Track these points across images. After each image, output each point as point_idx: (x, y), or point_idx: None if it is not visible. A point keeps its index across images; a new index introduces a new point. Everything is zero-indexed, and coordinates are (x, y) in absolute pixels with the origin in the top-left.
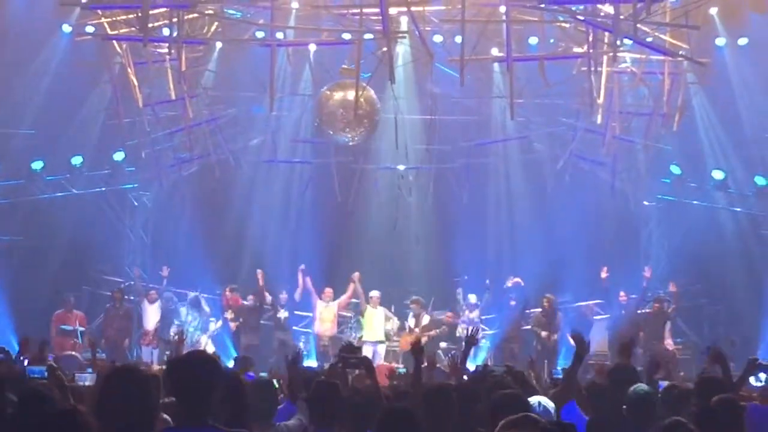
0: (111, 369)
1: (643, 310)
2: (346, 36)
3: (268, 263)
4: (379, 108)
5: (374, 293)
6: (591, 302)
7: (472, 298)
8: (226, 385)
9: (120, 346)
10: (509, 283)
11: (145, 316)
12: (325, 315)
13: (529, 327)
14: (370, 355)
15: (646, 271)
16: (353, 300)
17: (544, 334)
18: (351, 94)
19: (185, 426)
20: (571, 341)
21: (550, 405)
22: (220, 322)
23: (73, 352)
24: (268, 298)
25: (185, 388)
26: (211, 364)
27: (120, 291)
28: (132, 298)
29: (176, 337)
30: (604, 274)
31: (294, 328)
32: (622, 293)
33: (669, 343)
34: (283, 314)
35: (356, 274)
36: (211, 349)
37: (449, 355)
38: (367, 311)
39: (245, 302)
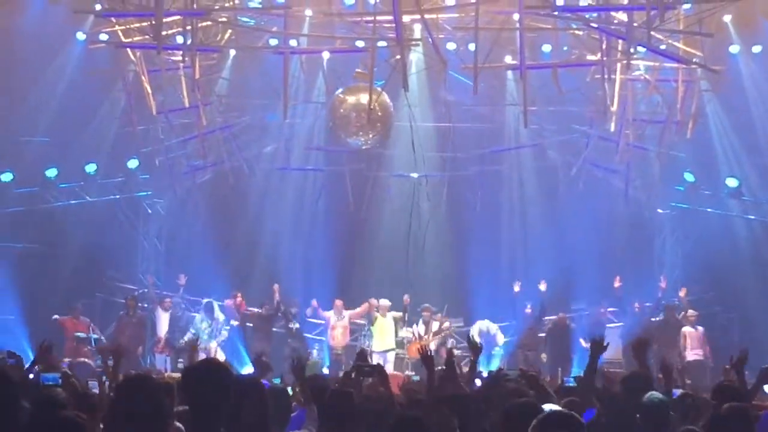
0: (124, 378)
1: (656, 318)
2: (360, 43)
3: (281, 270)
4: (393, 112)
5: (384, 302)
6: (603, 309)
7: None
8: (245, 392)
9: (133, 354)
10: (516, 288)
11: (158, 324)
12: (337, 325)
13: (544, 334)
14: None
15: (662, 281)
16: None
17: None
18: (364, 98)
19: None
20: (583, 344)
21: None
22: (228, 328)
23: (87, 360)
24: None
25: (199, 396)
26: (224, 372)
27: (133, 299)
28: (146, 305)
29: (188, 344)
30: (617, 284)
31: (307, 335)
32: (636, 304)
33: (698, 352)
34: (294, 325)
35: (373, 302)
36: (221, 356)
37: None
38: (377, 321)
39: (257, 310)
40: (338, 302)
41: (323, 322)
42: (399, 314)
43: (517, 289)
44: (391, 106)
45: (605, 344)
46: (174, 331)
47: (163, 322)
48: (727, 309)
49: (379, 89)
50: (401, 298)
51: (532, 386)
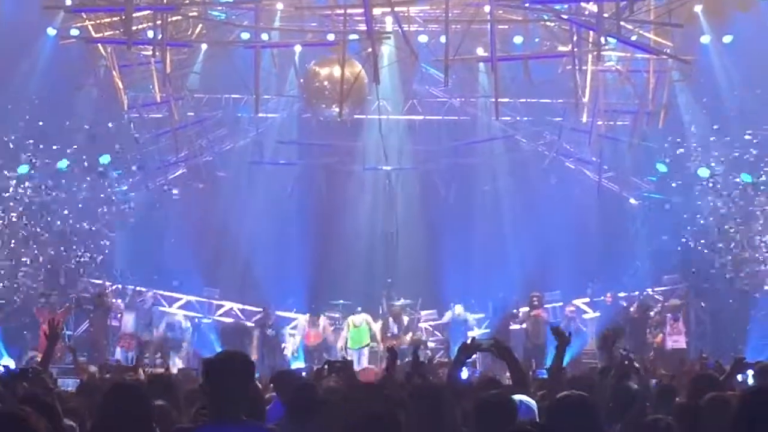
0: (111, 386)
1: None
2: (331, 37)
3: (255, 265)
4: (367, 83)
5: (355, 319)
6: (572, 307)
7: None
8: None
9: (99, 348)
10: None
11: (123, 319)
12: (310, 332)
13: (517, 327)
14: (355, 360)
15: (608, 297)
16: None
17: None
18: (338, 70)
19: (224, 422)
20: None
21: (533, 404)
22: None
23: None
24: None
25: (224, 385)
26: (249, 363)
27: (99, 296)
28: (116, 300)
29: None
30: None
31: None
32: (608, 295)
33: (677, 339)
34: (271, 333)
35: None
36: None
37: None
38: (350, 332)
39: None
40: (323, 319)
41: (298, 317)
42: (377, 325)
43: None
44: (364, 75)
45: (568, 334)
46: (140, 325)
47: (127, 318)
48: (700, 299)
49: (351, 58)
50: (374, 292)
51: (504, 356)
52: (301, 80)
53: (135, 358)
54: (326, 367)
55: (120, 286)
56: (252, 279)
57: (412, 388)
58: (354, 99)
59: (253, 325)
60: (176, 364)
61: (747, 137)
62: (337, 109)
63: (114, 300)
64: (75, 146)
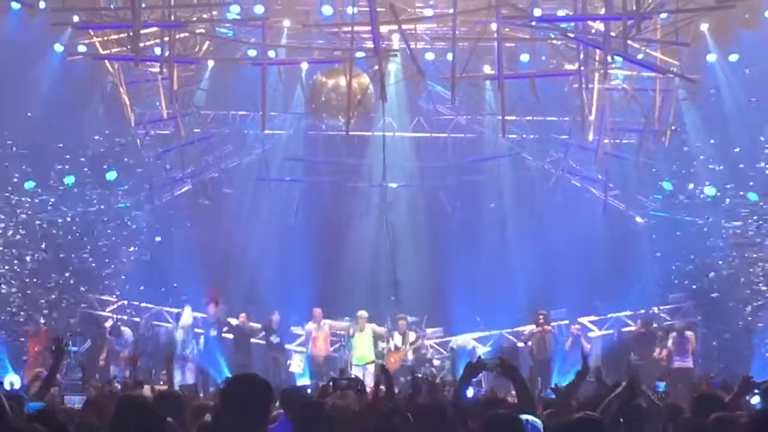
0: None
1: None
2: (338, 54)
3: (261, 280)
4: (373, 93)
5: (361, 314)
6: (577, 325)
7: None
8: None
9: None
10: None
11: (117, 345)
12: (318, 336)
13: (522, 344)
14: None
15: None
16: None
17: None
18: (344, 80)
19: None
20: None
21: (538, 423)
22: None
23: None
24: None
25: (245, 405)
26: (268, 386)
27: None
28: (123, 317)
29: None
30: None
31: (288, 346)
32: (612, 314)
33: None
34: (275, 339)
35: (358, 314)
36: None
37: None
38: (355, 335)
39: (233, 320)
40: (317, 311)
41: (303, 332)
42: (381, 329)
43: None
44: (371, 87)
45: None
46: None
47: (119, 345)
48: (705, 318)
49: (358, 70)
50: (379, 308)
51: (510, 375)
52: (306, 93)
53: (133, 375)
54: (332, 384)
55: (125, 302)
56: (257, 295)
57: (415, 407)
58: (361, 111)
59: (258, 326)
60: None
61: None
62: (343, 120)
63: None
64: (81, 162)
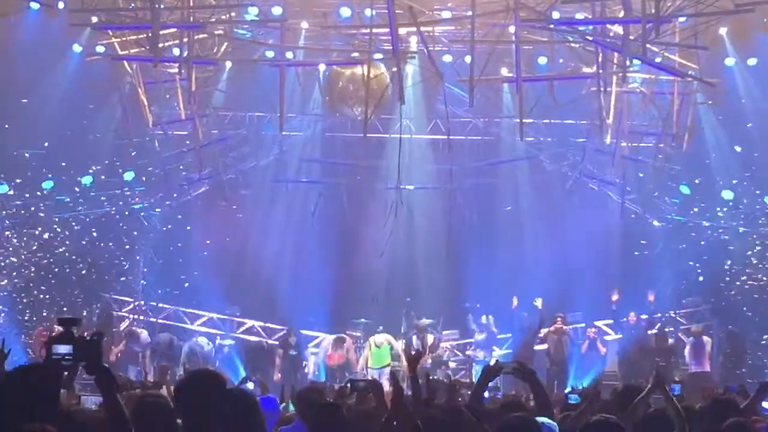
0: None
1: (652, 331)
2: (356, 56)
3: (277, 283)
4: (390, 84)
5: (378, 339)
6: (593, 328)
7: (484, 319)
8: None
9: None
10: (515, 302)
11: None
12: (333, 354)
13: (540, 347)
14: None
15: (650, 295)
16: (356, 320)
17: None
18: (361, 69)
19: None
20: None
21: (554, 425)
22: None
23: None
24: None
25: (194, 406)
26: (221, 384)
27: (108, 315)
28: (140, 317)
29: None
30: (615, 297)
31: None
32: (632, 315)
33: (701, 364)
34: (292, 352)
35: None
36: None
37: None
38: (372, 351)
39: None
40: (349, 342)
41: (319, 336)
42: (397, 345)
43: (515, 303)
44: (388, 77)
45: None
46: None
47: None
48: (722, 322)
49: (374, 61)
50: (397, 310)
51: (528, 379)
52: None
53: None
54: (349, 386)
55: (142, 302)
56: (273, 297)
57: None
58: (378, 103)
59: (277, 343)
60: None
61: None
62: (360, 111)
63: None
64: (99, 162)
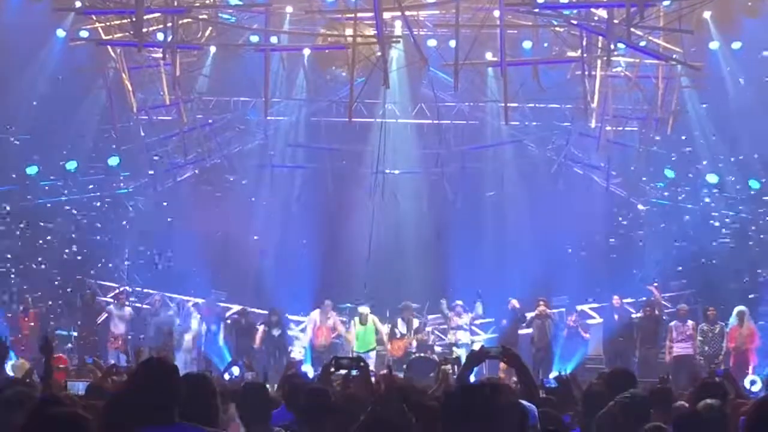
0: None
1: (636, 315)
2: (341, 40)
3: (263, 267)
4: (374, 49)
5: (363, 309)
6: (573, 315)
7: (460, 303)
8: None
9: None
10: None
11: (113, 320)
12: (321, 326)
13: (524, 331)
14: None
15: (615, 299)
16: (342, 305)
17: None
18: (347, 32)
19: (157, 425)
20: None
21: (534, 409)
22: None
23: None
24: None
25: (154, 389)
26: (173, 370)
27: (91, 295)
28: (109, 300)
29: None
30: (514, 305)
31: (289, 332)
32: (615, 298)
33: (685, 346)
34: (276, 332)
35: (359, 309)
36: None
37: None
38: (357, 330)
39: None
40: (327, 302)
41: (305, 319)
42: (383, 327)
43: (516, 305)
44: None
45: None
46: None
47: (118, 318)
48: (706, 305)
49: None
50: (383, 296)
51: (513, 363)
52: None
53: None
54: (334, 363)
55: (127, 287)
56: (259, 281)
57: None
58: (364, 65)
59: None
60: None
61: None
62: (346, 74)
63: (105, 301)
64: (83, 148)
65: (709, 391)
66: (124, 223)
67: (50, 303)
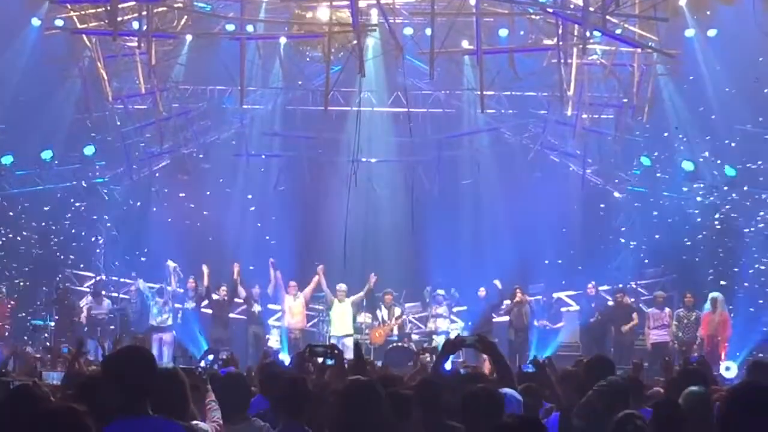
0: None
1: (610, 303)
2: (315, 29)
3: (240, 255)
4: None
5: (341, 286)
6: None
7: (441, 292)
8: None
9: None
10: (482, 293)
11: (90, 314)
12: (293, 308)
13: (500, 319)
14: None
15: (590, 288)
16: (318, 293)
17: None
18: (324, 12)
19: (126, 417)
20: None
21: (519, 397)
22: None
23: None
24: (242, 292)
25: (124, 380)
26: (148, 358)
27: (64, 291)
28: (103, 292)
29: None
30: (482, 293)
31: (268, 322)
32: (590, 286)
33: (661, 333)
34: (256, 308)
35: (320, 267)
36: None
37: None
38: (333, 306)
39: (214, 295)
40: (292, 283)
41: (280, 308)
42: (358, 295)
43: (482, 293)
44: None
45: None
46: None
47: (95, 312)
48: (683, 291)
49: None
50: (360, 284)
51: (489, 352)
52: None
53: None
54: (308, 350)
55: (103, 276)
56: (238, 264)
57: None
58: (341, 49)
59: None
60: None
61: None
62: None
63: (82, 291)
64: (59, 137)
65: (690, 379)
66: (99, 211)
67: (22, 284)
